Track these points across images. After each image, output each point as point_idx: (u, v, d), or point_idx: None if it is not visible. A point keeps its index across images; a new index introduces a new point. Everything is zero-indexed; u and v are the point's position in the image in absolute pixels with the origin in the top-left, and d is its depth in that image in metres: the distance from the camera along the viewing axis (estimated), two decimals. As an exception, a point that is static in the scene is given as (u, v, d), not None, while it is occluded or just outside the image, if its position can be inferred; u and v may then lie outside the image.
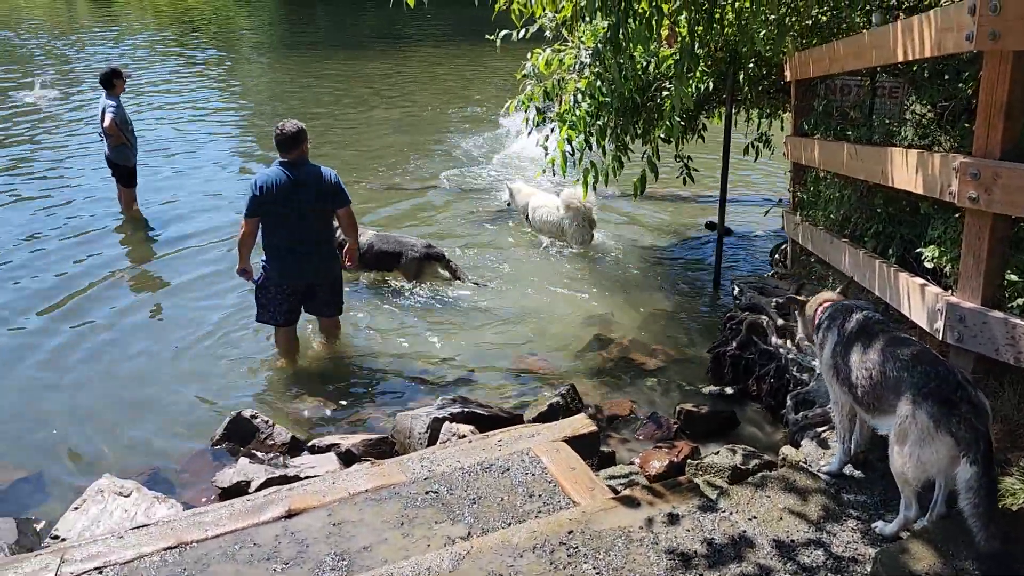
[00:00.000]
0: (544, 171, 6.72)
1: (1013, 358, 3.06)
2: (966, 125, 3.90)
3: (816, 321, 3.39)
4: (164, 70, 18.81)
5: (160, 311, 6.86)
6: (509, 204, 8.78)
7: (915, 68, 4.56)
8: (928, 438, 2.68)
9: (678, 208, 9.57)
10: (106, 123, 8.16)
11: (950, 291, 3.45)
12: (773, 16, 5.77)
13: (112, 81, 8.34)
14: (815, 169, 5.36)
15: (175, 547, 3.21)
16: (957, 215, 3.50)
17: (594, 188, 6.58)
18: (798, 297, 3.62)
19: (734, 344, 5.55)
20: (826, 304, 3.41)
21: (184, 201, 9.59)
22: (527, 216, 8.42)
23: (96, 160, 9.98)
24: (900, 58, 3.79)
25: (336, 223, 5.79)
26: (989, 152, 3.09)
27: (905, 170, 3.69)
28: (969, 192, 3.13)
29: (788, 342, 5.03)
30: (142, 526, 3.40)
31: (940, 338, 3.38)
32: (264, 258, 5.55)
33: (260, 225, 5.42)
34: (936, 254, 3.60)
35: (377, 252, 7.11)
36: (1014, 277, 3.20)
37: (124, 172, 8.71)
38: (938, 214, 3.73)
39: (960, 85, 4.01)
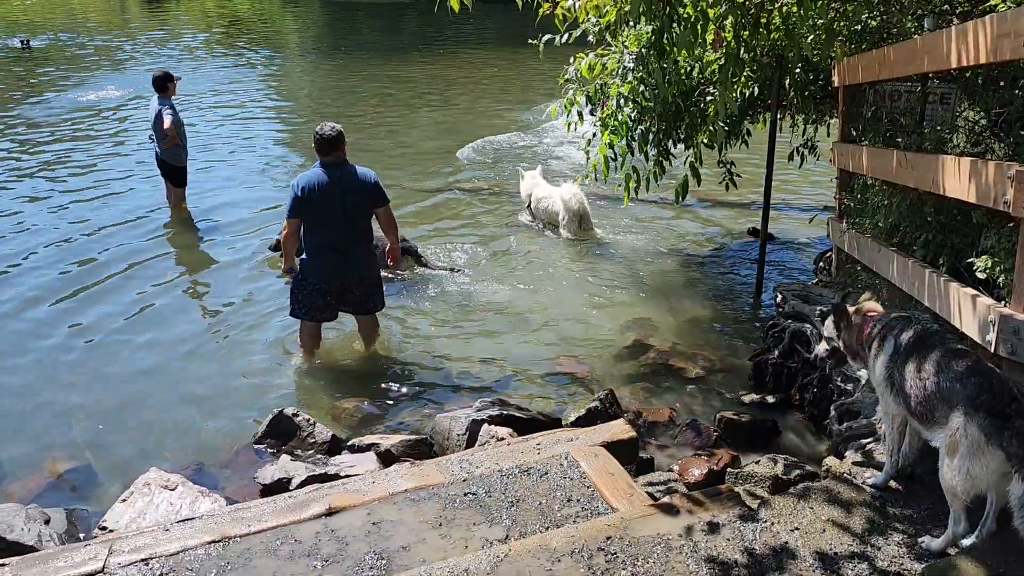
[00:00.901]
0: (586, 177, 6.70)
1: (1068, 372, 2.97)
2: (1021, 133, 3.80)
3: (867, 332, 3.32)
4: (213, 71, 19.19)
5: (207, 308, 6.99)
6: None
7: (968, 74, 4.47)
8: (978, 451, 2.62)
9: (721, 214, 9.49)
10: (166, 125, 8.35)
11: (1003, 303, 3.37)
12: (821, 21, 5.69)
13: (165, 84, 8.53)
14: (863, 176, 5.28)
15: (219, 541, 3.27)
16: (1011, 224, 3.42)
17: (635, 193, 6.55)
18: (845, 306, 3.54)
19: (776, 352, 5.49)
20: (873, 314, 3.35)
21: (230, 200, 9.77)
22: (529, 204, 8.96)
23: (143, 157, 10.22)
24: (954, 64, 3.72)
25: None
26: (1046, 160, 3.01)
27: (957, 178, 3.62)
28: (1024, 201, 3.06)
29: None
30: (187, 519, 3.46)
31: (992, 351, 3.30)
32: (304, 256, 5.64)
33: (302, 225, 5.51)
34: (989, 265, 3.52)
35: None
36: (1070, 289, 3.11)
37: (176, 172, 8.91)
38: (991, 224, 3.65)
39: (1016, 92, 3.91)
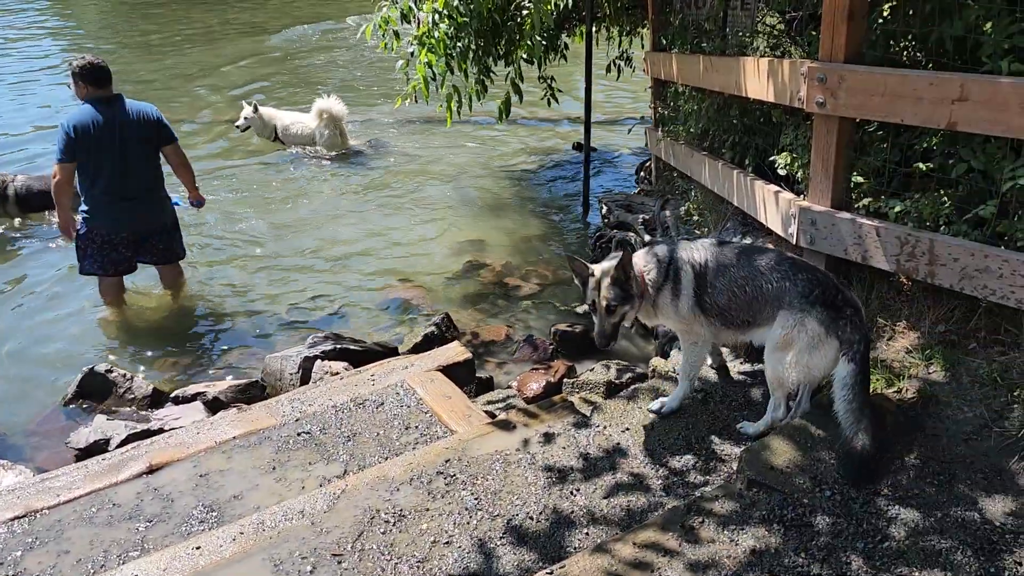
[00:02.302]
0: (406, 98, 6.49)
1: (860, 256, 3.19)
2: (813, 33, 3.97)
3: (650, 277, 3.09)
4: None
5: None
6: (239, 126, 9.06)
7: (765, -22, 4.61)
8: (819, 343, 2.76)
9: (545, 130, 9.54)
10: None
11: (802, 196, 3.56)
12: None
13: None
14: (674, 84, 5.40)
15: (23, 516, 2.98)
16: (807, 121, 3.59)
17: (459, 114, 6.41)
18: (623, 262, 3.02)
19: (604, 262, 5.62)
20: (648, 258, 3.14)
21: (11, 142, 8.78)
22: (276, 136, 9.14)
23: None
24: (749, -34, 3.81)
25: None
26: (834, 56, 3.16)
27: (757, 79, 3.75)
28: (816, 97, 3.21)
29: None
30: (-17, 498, 3.13)
31: (794, 242, 3.50)
32: (85, 208, 5.05)
33: (77, 172, 4.92)
34: (788, 161, 3.70)
35: (37, 192, 6.73)
36: (860, 179, 3.32)
37: None
38: (789, 122, 3.82)
39: (806, -7, 4.07)
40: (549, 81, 7.17)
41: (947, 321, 3.06)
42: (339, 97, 8.86)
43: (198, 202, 5.55)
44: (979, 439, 2.72)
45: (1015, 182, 2.71)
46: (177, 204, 5.49)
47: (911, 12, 3.33)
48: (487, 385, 4.52)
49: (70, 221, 5.07)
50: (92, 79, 4.86)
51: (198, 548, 2.68)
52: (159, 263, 5.46)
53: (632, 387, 3.65)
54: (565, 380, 4.21)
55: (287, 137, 9.16)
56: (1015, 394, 2.74)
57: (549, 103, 7.33)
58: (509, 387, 4.47)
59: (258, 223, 6.98)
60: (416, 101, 6.44)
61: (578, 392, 3.96)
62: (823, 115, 3.24)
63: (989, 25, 2.87)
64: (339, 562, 2.58)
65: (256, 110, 8.99)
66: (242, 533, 2.74)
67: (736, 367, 3.65)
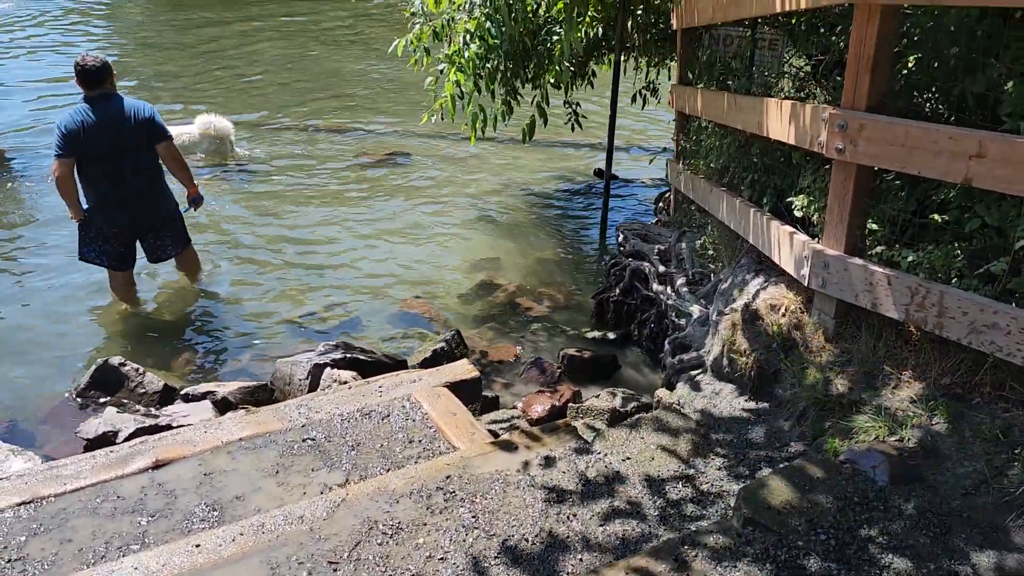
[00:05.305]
0: (432, 115, 6.57)
1: (870, 303, 3.22)
2: (838, 78, 4.02)
3: None
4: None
5: (18, 258, 6.39)
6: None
7: (794, 21, 4.66)
8: None
9: (567, 155, 9.61)
10: None
11: (816, 239, 3.59)
12: (662, -38, 5.78)
13: None
14: (698, 119, 5.45)
15: (30, 502, 3.04)
16: (826, 166, 3.63)
17: (483, 133, 6.49)
18: None
19: (617, 290, 5.67)
20: None
21: (37, 137, 8.94)
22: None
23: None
24: (778, 9, 3.86)
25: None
26: (856, 104, 3.20)
27: (779, 120, 3.79)
28: (836, 143, 3.24)
29: (668, 288, 5.16)
30: (-8, 481, 3.19)
31: (806, 284, 3.52)
32: (86, 205, 5.21)
33: (76, 169, 5.06)
34: (805, 203, 3.73)
35: None
36: (875, 226, 3.35)
37: None
38: (808, 164, 3.86)
39: (834, 39, 4.12)
40: (574, 106, 7.25)
41: (953, 373, 3.07)
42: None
43: (195, 199, 5.60)
44: (977, 494, 2.73)
45: (1028, 241, 2.73)
46: (183, 211, 5.59)
47: (936, 64, 3.37)
48: (493, 404, 4.56)
49: (79, 211, 5.20)
50: (82, 79, 5.02)
51: (198, 546, 2.72)
52: (168, 255, 5.58)
53: (636, 416, 3.68)
54: (570, 404, 4.24)
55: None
56: (1016, 452, 2.74)
57: (573, 128, 7.41)
58: (514, 407, 4.51)
59: (279, 229, 7.07)
60: (442, 118, 6.54)
61: (582, 417, 3.99)
62: (842, 161, 3.28)
63: (1011, 84, 2.90)
64: (335, 570, 2.61)
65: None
66: (242, 534, 2.78)
67: (740, 403, 3.67)
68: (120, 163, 5.08)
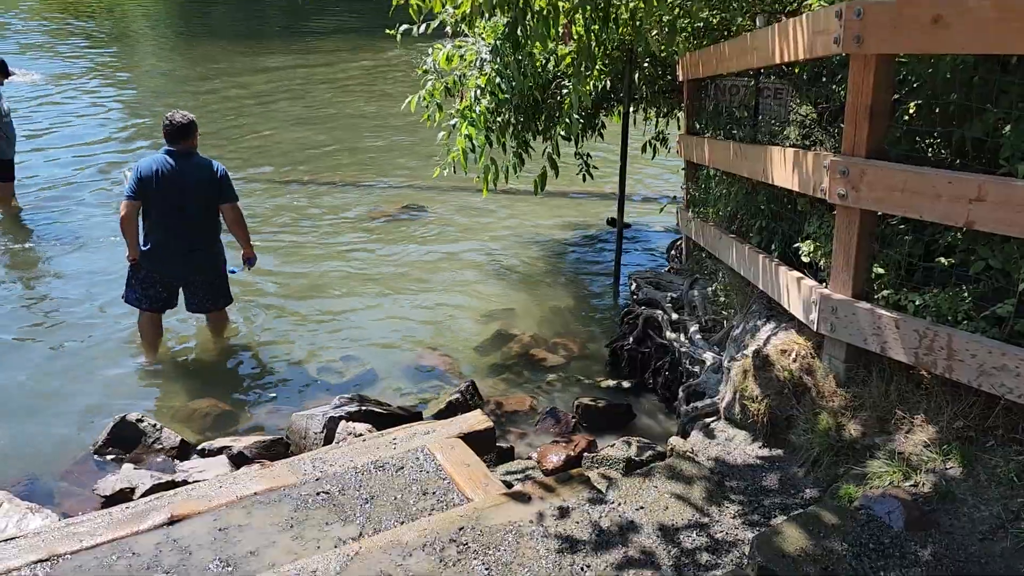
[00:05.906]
0: (444, 169, 6.69)
1: (879, 347, 3.22)
2: (841, 125, 4.08)
3: None
4: (52, 58, 17.88)
5: (43, 309, 6.51)
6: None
7: (797, 70, 4.75)
8: None
9: (579, 205, 9.70)
10: None
11: (824, 284, 3.61)
12: (667, 17, 5.90)
13: None
14: (706, 167, 5.52)
15: (46, 560, 3.06)
16: (831, 212, 3.67)
17: (495, 185, 6.59)
18: None
19: (631, 339, 5.68)
20: None
21: (66, 195, 9.17)
22: None
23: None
24: (777, 60, 3.94)
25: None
26: (856, 151, 3.24)
27: (783, 168, 3.84)
28: (839, 189, 3.28)
29: (681, 336, 5.17)
30: (10, 539, 3.22)
31: (815, 328, 3.53)
32: (141, 244, 5.42)
33: (140, 212, 5.30)
34: (811, 249, 3.76)
35: None
36: (881, 270, 3.37)
37: (1, 165, 8.31)
38: (814, 211, 3.89)
39: (834, 87, 4.19)
40: (585, 157, 7.36)
41: (965, 417, 3.05)
42: None
43: (250, 260, 5.80)
44: (995, 539, 2.69)
45: (1032, 282, 2.74)
46: (233, 272, 5.75)
47: (936, 110, 3.42)
48: (508, 455, 4.56)
49: (135, 251, 5.41)
50: (165, 133, 5.32)
51: (211, 602, 2.73)
52: (208, 309, 5.74)
53: (650, 465, 3.67)
54: (585, 454, 4.23)
55: None
56: (1033, 495, 2.72)
57: (584, 178, 7.50)
58: (529, 458, 4.51)
59: (295, 280, 7.17)
60: (455, 171, 6.66)
61: (597, 467, 3.99)
62: (845, 207, 3.32)
63: (1008, 128, 2.94)
64: (347, 624, 2.61)
65: None
66: (255, 589, 2.79)
67: (753, 450, 3.65)
68: (182, 217, 5.31)
